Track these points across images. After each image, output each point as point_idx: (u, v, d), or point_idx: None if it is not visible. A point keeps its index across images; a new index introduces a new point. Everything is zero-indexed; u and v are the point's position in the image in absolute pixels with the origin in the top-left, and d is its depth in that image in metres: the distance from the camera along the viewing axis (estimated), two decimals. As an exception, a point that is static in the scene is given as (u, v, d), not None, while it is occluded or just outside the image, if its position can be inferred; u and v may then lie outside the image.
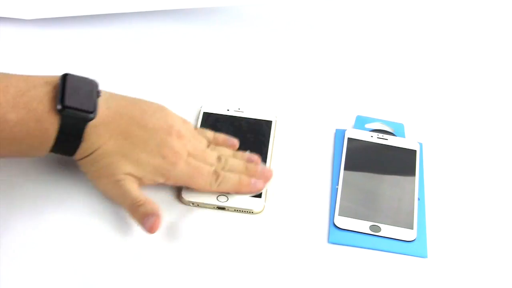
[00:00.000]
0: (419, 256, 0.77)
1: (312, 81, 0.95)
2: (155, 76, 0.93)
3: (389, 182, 0.83)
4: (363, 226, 0.79)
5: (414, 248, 0.78)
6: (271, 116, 0.89)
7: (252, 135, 0.87)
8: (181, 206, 0.79)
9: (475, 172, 0.86)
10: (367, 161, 0.85)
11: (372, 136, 0.87)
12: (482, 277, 0.77)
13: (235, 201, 0.80)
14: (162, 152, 0.76)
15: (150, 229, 0.74)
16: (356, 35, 1.03)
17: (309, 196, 0.82)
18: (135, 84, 0.92)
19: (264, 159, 0.84)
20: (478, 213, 0.82)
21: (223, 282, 0.73)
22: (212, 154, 0.80)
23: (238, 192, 0.79)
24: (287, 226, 0.79)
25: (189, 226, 0.77)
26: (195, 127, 0.83)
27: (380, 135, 0.88)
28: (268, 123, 0.88)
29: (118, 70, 0.93)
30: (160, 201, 0.78)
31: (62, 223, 0.75)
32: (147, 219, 0.74)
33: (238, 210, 0.79)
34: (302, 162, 0.85)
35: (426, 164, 0.86)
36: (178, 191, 0.80)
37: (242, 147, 0.85)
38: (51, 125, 0.72)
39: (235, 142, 0.84)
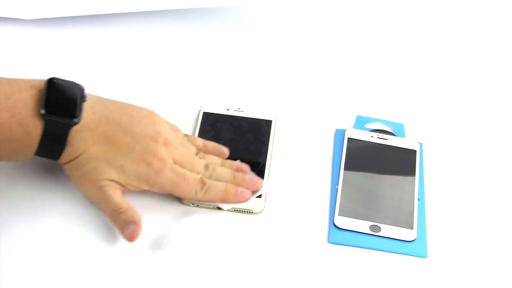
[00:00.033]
0: (419, 256, 0.77)
1: (312, 81, 0.95)
2: (155, 76, 0.93)
3: (389, 182, 0.83)
4: (363, 226, 0.79)
5: (414, 248, 0.78)
6: (271, 115, 0.89)
7: (252, 135, 0.87)
8: (181, 207, 0.79)
9: (475, 172, 0.86)
10: (367, 161, 0.85)
11: (372, 136, 0.87)
12: (482, 277, 0.77)
13: (235, 201, 0.80)
14: (146, 159, 0.76)
15: (130, 237, 0.74)
16: (356, 35, 1.02)
17: (309, 196, 0.82)
18: (135, 84, 0.92)
19: (264, 159, 0.84)
20: (478, 213, 0.82)
21: (223, 282, 0.73)
22: (199, 162, 0.80)
23: (224, 201, 0.79)
24: (287, 226, 0.79)
25: (189, 226, 0.77)
26: (186, 134, 0.83)
27: (380, 135, 0.88)
28: (268, 123, 0.88)
29: (118, 70, 0.93)
30: (161, 202, 0.78)
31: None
32: (127, 226, 0.74)
33: (238, 210, 0.79)
34: (302, 162, 0.85)
35: (426, 164, 0.86)
36: (178, 191, 0.80)
37: (242, 146, 0.85)
38: (34, 129, 0.72)
39: (225, 150, 0.83)
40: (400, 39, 1.03)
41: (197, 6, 1.00)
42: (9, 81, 0.73)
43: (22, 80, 0.73)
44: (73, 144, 0.74)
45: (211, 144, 0.83)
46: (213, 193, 0.78)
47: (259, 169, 0.83)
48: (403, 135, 0.89)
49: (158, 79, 0.93)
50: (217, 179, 0.79)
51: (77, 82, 0.75)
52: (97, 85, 0.88)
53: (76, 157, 0.74)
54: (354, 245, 0.78)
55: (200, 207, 0.79)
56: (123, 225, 0.74)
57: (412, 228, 0.79)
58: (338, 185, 0.82)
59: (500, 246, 0.79)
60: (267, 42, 1.00)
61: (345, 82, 0.95)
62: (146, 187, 0.77)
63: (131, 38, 0.98)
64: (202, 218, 0.78)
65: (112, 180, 0.75)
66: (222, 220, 0.78)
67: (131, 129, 0.76)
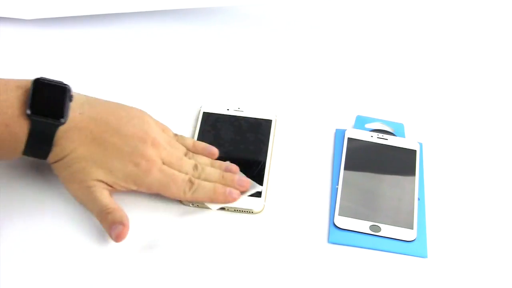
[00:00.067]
0: (419, 256, 0.77)
1: (312, 81, 0.95)
2: (155, 76, 0.93)
3: (389, 182, 0.83)
4: (363, 226, 0.79)
5: (414, 248, 0.78)
6: (271, 115, 0.89)
7: (252, 135, 0.87)
8: (181, 207, 0.79)
9: (475, 172, 0.86)
10: (367, 161, 0.85)
11: (372, 136, 0.87)
12: (482, 277, 0.76)
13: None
14: (134, 160, 0.76)
15: (117, 238, 0.74)
16: (356, 35, 1.02)
17: (309, 196, 0.82)
18: (134, 84, 0.92)
19: (264, 159, 0.84)
20: (478, 213, 0.82)
21: (224, 282, 0.73)
22: (188, 162, 0.80)
23: (212, 201, 0.78)
24: (287, 226, 0.79)
25: (189, 227, 0.77)
26: (176, 134, 0.83)
27: (380, 135, 0.88)
28: (268, 123, 0.88)
29: (118, 70, 0.93)
30: (161, 202, 0.78)
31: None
32: (114, 227, 0.74)
33: (238, 210, 0.79)
34: (302, 161, 0.85)
35: (426, 164, 0.86)
36: (178, 191, 0.80)
37: (242, 146, 0.85)
38: (20, 130, 0.72)
39: (214, 150, 0.83)
40: (400, 39, 1.03)
41: (197, 6, 1.00)
42: None
43: (8, 80, 0.73)
44: (60, 144, 0.74)
45: (201, 145, 0.83)
46: (201, 193, 0.78)
47: (259, 169, 0.83)
48: (403, 135, 0.89)
49: (158, 79, 0.93)
50: (205, 179, 0.79)
51: (65, 82, 0.75)
52: (96, 85, 0.89)
53: (64, 157, 0.74)
54: (354, 245, 0.78)
55: (200, 207, 0.79)
56: (110, 225, 0.74)
57: (412, 228, 0.79)
58: (338, 185, 0.82)
59: (500, 246, 0.79)
60: (267, 42, 1.00)
61: (345, 82, 0.95)
62: (134, 188, 0.77)
63: (131, 38, 0.98)
64: (201, 218, 0.78)
65: (100, 181, 0.75)
66: (222, 220, 0.78)
67: (119, 130, 0.76)
